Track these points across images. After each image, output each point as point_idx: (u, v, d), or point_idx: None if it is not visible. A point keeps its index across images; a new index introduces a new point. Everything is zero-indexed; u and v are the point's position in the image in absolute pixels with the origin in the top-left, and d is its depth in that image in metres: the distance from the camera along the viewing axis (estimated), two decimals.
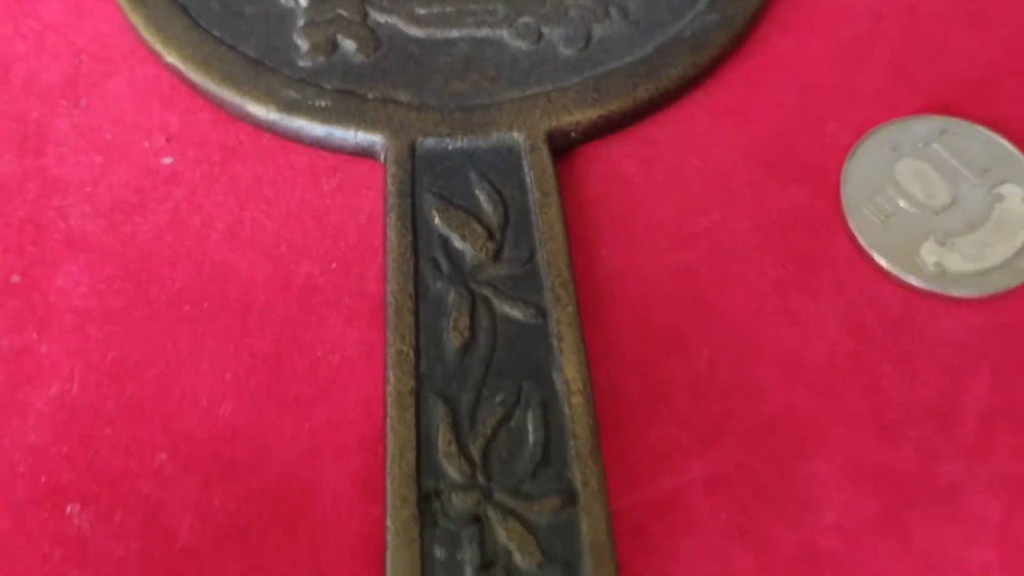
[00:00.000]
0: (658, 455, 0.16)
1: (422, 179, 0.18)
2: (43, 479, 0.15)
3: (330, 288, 0.17)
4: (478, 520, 0.14)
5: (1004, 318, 0.17)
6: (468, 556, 0.14)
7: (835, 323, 0.17)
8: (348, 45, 0.19)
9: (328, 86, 0.19)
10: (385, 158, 0.18)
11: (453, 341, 0.16)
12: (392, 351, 0.16)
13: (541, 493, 0.15)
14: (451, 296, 0.16)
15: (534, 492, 0.15)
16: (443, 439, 0.15)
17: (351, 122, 0.18)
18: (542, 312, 0.16)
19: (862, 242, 0.17)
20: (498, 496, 0.15)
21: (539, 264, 0.17)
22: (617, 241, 0.18)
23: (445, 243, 0.17)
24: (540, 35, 0.20)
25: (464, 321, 0.16)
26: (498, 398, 0.15)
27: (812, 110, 0.19)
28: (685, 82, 0.19)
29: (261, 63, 0.19)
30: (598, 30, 0.20)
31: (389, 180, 0.18)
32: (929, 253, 0.17)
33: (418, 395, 0.15)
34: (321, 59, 0.19)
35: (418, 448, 0.15)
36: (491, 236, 0.17)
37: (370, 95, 0.19)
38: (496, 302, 0.16)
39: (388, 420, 0.15)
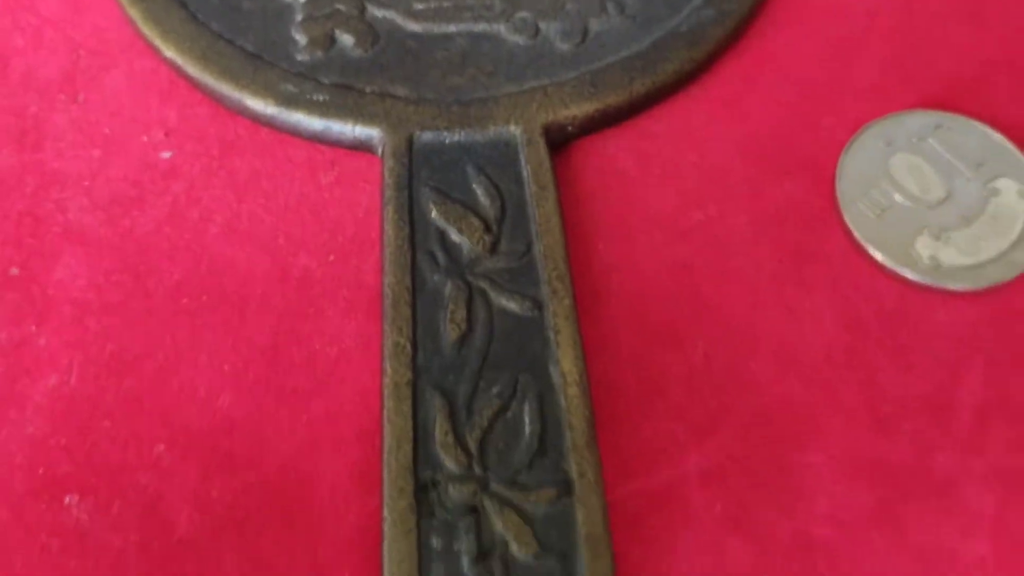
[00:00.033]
0: (654, 447, 0.16)
1: (419, 172, 0.18)
2: (41, 471, 0.15)
3: (328, 281, 0.17)
4: (475, 511, 0.14)
5: (999, 311, 0.17)
6: (465, 546, 0.14)
7: (830, 316, 0.17)
8: (346, 40, 0.20)
9: (326, 80, 0.19)
10: (383, 152, 0.18)
11: (450, 333, 0.16)
12: (389, 343, 0.16)
13: (537, 484, 0.15)
14: (448, 288, 0.16)
15: (530, 483, 0.15)
16: (440, 430, 0.15)
17: (349, 116, 0.18)
18: (538, 305, 0.16)
19: (857, 236, 0.18)
20: (495, 487, 0.15)
21: (536, 257, 0.17)
22: (614, 235, 0.18)
23: (442, 236, 0.17)
24: (537, 30, 0.20)
25: (461, 313, 0.16)
26: (495, 390, 0.15)
27: (808, 105, 0.19)
28: (681, 77, 0.19)
29: (259, 57, 0.19)
30: (595, 25, 0.20)
31: (386, 173, 0.18)
32: (924, 247, 0.17)
33: (415, 387, 0.15)
34: (319, 53, 0.19)
35: (415, 439, 0.15)
36: (488, 229, 0.17)
37: (368, 89, 0.19)
38: (493, 295, 0.16)
39: (385, 412, 0.15)
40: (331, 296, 0.17)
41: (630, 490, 0.15)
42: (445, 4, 0.20)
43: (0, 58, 0.20)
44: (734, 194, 0.18)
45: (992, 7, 0.21)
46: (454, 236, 0.17)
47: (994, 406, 0.16)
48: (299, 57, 0.19)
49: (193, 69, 0.19)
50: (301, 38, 0.19)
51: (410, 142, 0.18)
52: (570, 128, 0.19)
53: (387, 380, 0.16)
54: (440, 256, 0.17)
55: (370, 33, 0.20)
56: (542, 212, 0.17)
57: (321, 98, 0.19)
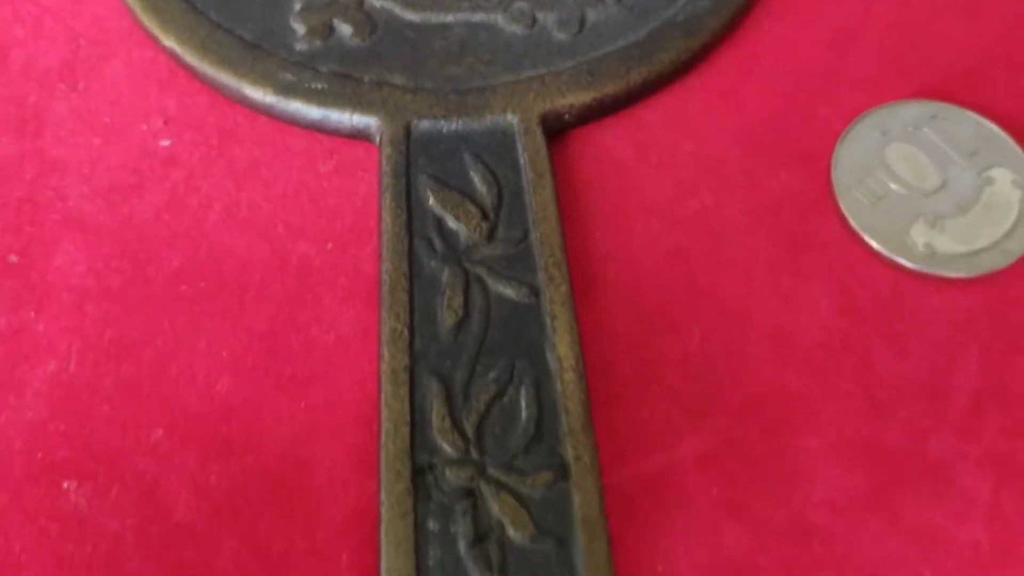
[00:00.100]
0: (650, 432, 0.16)
1: (417, 161, 0.18)
2: (40, 456, 0.16)
3: (326, 268, 0.17)
4: (471, 494, 0.14)
5: (993, 299, 0.17)
6: (461, 529, 0.14)
7: (826, 304, 0.17)
8: (344, 29, 0.20)
9: (324, 69, 0.19)
10: (380, 140, 0.18)
11: (447, 319, 0.16)
12: (387, 329, 0.16)
13: (534, 468, 0.15)
14: (445, 275, 0.17)
15: (527, 467, 0.15)
16: (437, 415, 0.15)
17: (347, 105, 0.19)
18: (535, 291, 0.16)
19: (853, 224, 0.18)
20: (491, 471, 0.15)
21: (533, 244, 0.17)
22: (610, 223, 0.18)
23: (439, 223, 0.17)
24: (534, 20, 0.20)
25: (458, 300, 0.16)
26: (491, 375, 0.16)
27: (804, 95, 0.20)
28: (678, 67, 0.19)
29: (258, 46, 0.19)
30: (592, 15, 0.20)
31: (384, 161, 0.18)
32: (919, 235, 0.18)
33: (412, 372, 0.16)
34: (317, 42, 0.19)
35: (412, 424, 0.15)
36: (485, 216, 0.17)
37: (366, 78, 0.19)
38: (490, 281, 0.16)
39: (383, 396, 0.15)
40: (329, 283, 0.17)
41: (626, 474, 0.15)
42: None
43: (0, 47, 0.20)
44: (730, 183, 0.18)
45: None
46: (451, 223, 0.17)
47: (988, 392, 0.16)
48: (297, 46, 0.19)
49: (192, 58, 0.19)
50: (299, 27, 0.20)
51: (408, 130, 0.18)
52: (567, 117, 0.19)
53: (385, 366, 0.16)
54: (437, 243, 0.17)
55: (368, 22, 0.20)
56: (539, 200, 0.17)
57: (319, 87, 0.19)
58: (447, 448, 0.15)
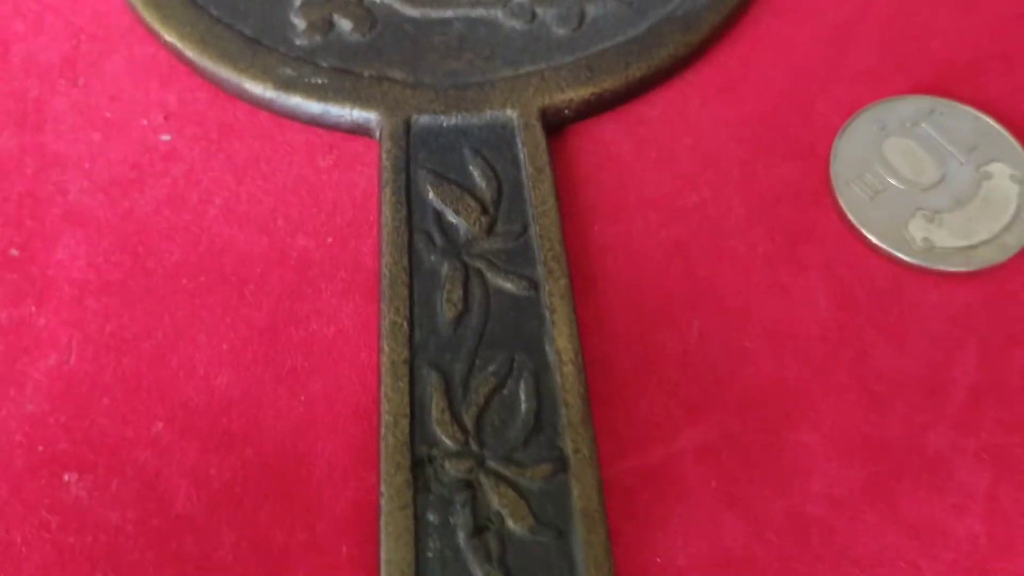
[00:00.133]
0: (649, 424, 0.16)
1: (417, 155, 0.18)
2: (41, 448, 0.16)
3: (326, 262, 0.17)
4: (471, 486, 0.15)
5: (991, 293, 0.17)
6: (461, 521, 0.14)
7: (824, 297, 0.17)
8: (344, 24, 0.20)
9: (324, 64, 0.19)
10: (380, 135, 0.18)
11: (447, 313, 0.16)
12: (387, 322, 0.16)
13: (533, 460, 0.15)
14: (445, 269, 0.17)
15: (526, 459, 0.15)
16: (436, 407, 0.15)
17: (347, 100, 0.19)
18: (535, 285, 0.16)
19: (851, 218, 0.18)
20: (491, 463, 0.15)
21: (532, 238, 0.17)
22: (609, 217, 0.18)
23: (439, 217, 0.17)
24: (534, 15, 0.20)
25: (458, 293, 0.16)
26: (491, 368, 0.16)
27: (802, 90, 0.20)
28: (677, 61, 0.20)
29: (258, 42, 0.19)
30: (591, 10, 0.20)
31: (384, 156, 0.18)
32: (917, 229, 0.18)
33: (412, 365, 0.16)
34: (317, 38, 0.19)
35: (412, 416, 0.15)
36: (484, 210, 0.17)
37: (366, 73, 0.19)
38: (489, 275, 0.17)
39: (382, 389, 0.15)
40: (329, 277, 0.17)
41: (625, 467, 0.15)
42: None
43: (2, 43, 0.20)
44: (729, 177, 0.18)
45: None
46: (451, 217, 0.17)
47: (986, 386, 0.16)
48: (297, 41, 0.19)
49: (192, 53, 0.19)
50: (300, 22, 0.20)
51: (407, 125, 0.18)
52: (566, 112, 0.19)
53: (384, 358, 0.16)
54: (437, 237, 0.17)
55: (368, 18, 0.20)
56: (538, 194, 0.17)
57: (319, 82, 0.19)
58: (447, 440, 0.15)
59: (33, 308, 0.17)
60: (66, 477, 0.15)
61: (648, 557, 0.15)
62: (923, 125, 0.19)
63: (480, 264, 0.17)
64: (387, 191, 0.17)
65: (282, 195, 0.18)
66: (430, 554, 0.14)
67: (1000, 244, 0.17)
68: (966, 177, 0.18)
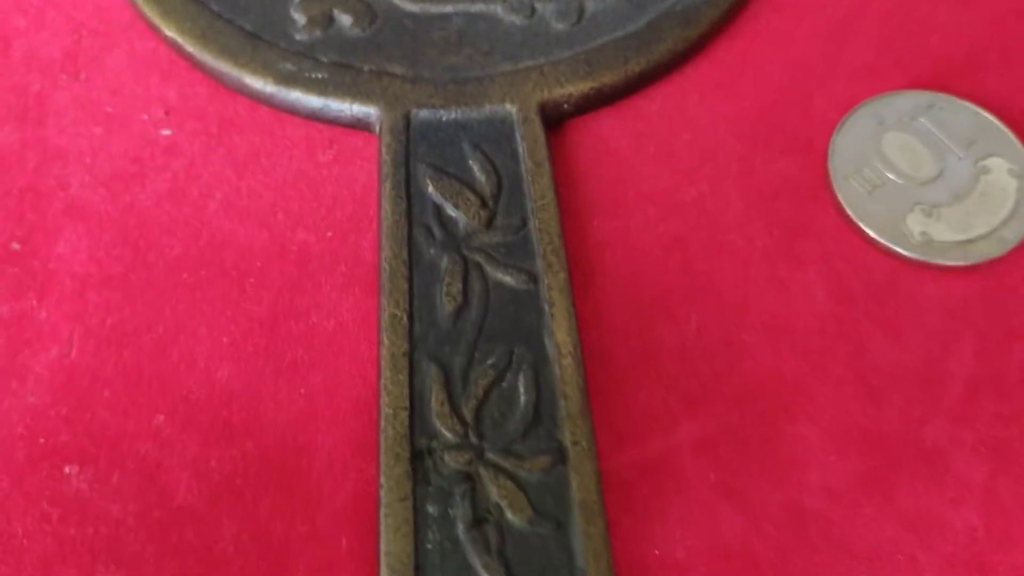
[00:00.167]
0: (647, 417, 0.16)
1: (416, 150, 0.18)
2: (42, 441, 0.16)
3: (326, 256, 0.17)
4: (470, 478, 0.15)
5: (989, 287, 0.17)
6: (460, 513, 0.14)
7: (822, 291, 0.17)
8: (344, 19, 0.20)
9: (324, 59, 0.19)
10: (380, 129, 0.18)
11: (446, 306, 0.16)
12: (386, 315, 0.16)
13: (532, 452, 0.15)
14: (444, 262, 0.17)
15: (525, 451, 0.15)
16: (436, 400, 0.15)
17: (347, 94, 0.19)
18: (534, 278, 0.17)
19: (849, 212, 0.18)
20: (490, 455, 0.15)
21: (531, 232, 0.17)
22: (608, 211, 0.18)
23: (439, 211, 0.17)
24: (533, 10, 0.20)
25: (457, 286, 0.16)
26: (490, 361, 0.16)
27: (800, 85, 0.20)
28: (676, 57, 0.20)
29: (258, 36, 0.19)
30: (591, 5, 0.20)
31: (384, 150, 0.18)
32: (915, 223, 0.18)
33: (411, 358, 0.16)
34: (317, 32, 0.19)
35: (411, 409, 0.15)
36: (484, 204, 0.17)
37: (365, 68, 0.19)
38: (489, 268, 0.17)
39: (382, 382, 0.15)
40: (329, 271, 0.17)
41: (623, 459, 0.16)
42: None
43: (3, 38, 0.20)
44: (727, 172, 0.19)
45: None
46: (450, 211, 0.17)
47: (984, 379, 0.16)
48: (298, 36, 0.19)
49: (193, 48, 0.19)
50: (300, 17, 0.20)
51: (407, 120, 0.18)
52: (566, 107, 0.19)
53: (384, 351, 0.16)
54: (436, 230, 0.17)
55: (368, 12, 0.20)
56: (537, 188, 0.17)
57: (319, 76, 0.19)
58: (446, 433, 0.15)
59: (34, 301, 0.17)
60: (67, 469, 0.15)
61: (646, 549, 0.15)
62: (921, 120, 0.19)
63: (479, 258, 0.17)
64: (387, 185, 0.17)
65: (282, 189, 0.18)
66: (429, 546, 0.14)
67: (998, 238, 0.17)
68: (964, 172, 0.18)
